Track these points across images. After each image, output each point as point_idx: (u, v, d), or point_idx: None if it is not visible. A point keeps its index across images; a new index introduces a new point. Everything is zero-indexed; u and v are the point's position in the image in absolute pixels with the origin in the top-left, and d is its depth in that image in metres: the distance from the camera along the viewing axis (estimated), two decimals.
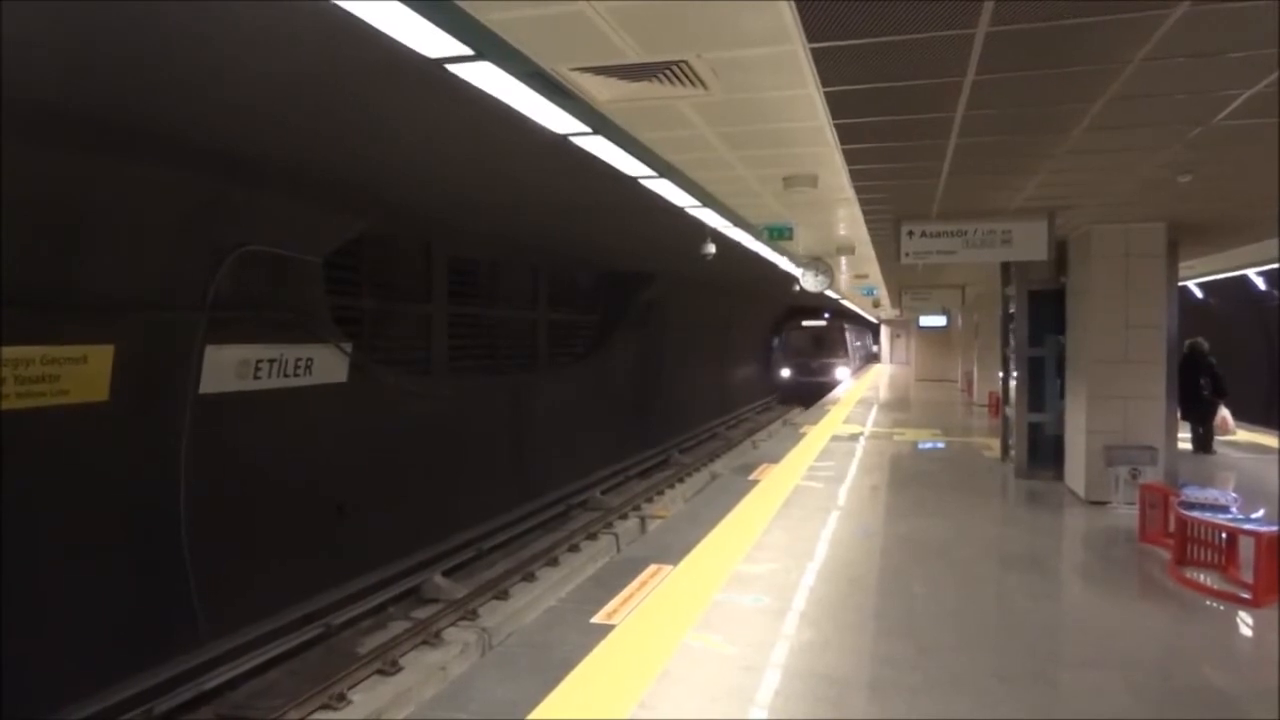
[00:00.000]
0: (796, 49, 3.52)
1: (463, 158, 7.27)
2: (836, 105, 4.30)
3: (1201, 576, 5.89)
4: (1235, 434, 12.88)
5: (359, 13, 3.08)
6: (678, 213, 7.84)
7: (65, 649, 6.76)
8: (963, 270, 14.59)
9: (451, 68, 3.65)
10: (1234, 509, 6.05)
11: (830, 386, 30.71)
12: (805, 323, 40.74)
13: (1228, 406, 12.28)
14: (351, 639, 8.78)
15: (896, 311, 27.42)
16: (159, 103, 5.45)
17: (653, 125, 4.92)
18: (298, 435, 9.46)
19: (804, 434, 14.05)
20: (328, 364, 9.65)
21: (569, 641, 4.57)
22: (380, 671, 7.91)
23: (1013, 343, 10.21)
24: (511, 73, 3.77)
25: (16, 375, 6.28)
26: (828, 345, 40.23)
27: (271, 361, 8.78)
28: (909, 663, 4.41)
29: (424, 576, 10.24)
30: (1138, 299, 8.18)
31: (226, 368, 8.21)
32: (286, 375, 9.01)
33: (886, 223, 8.19)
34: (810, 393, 32.54)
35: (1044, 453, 9.72)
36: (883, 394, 24.66)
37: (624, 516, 14.80)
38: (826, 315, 40.56)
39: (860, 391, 24.99)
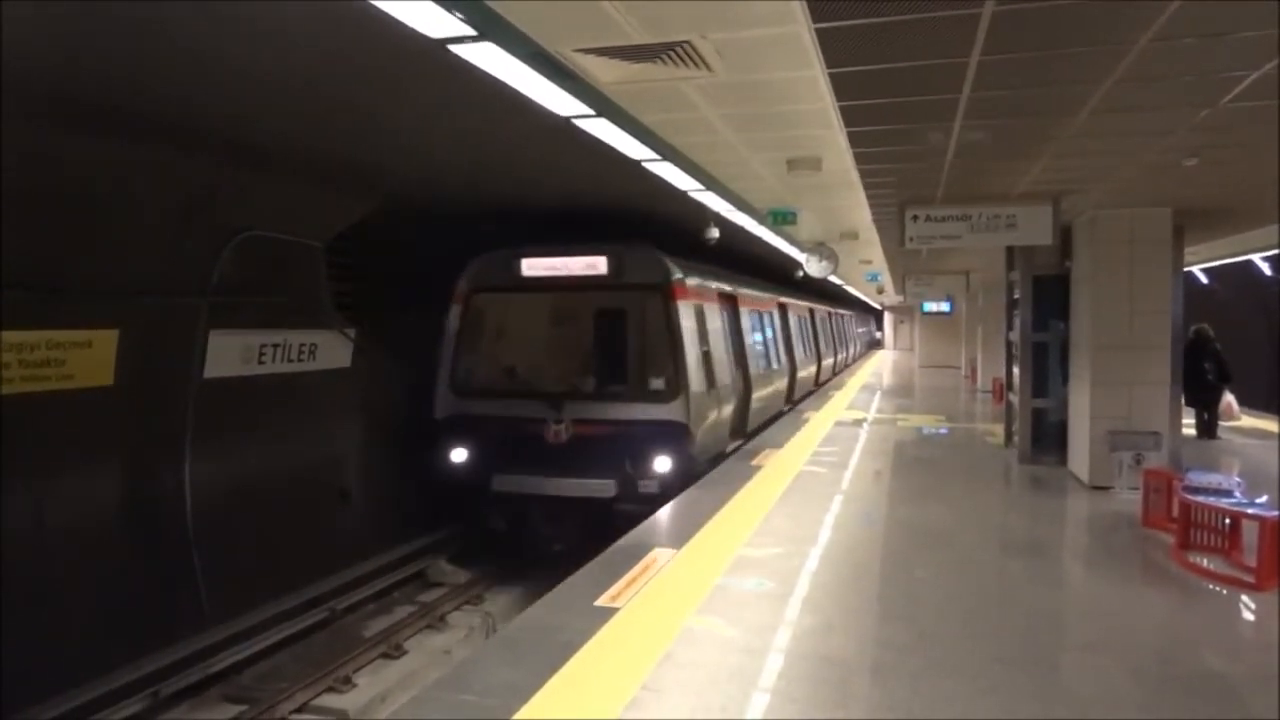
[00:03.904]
0: (801, 29, 3.50)
1: (467, 142, 7.24)
2: (841, 87, 4.27)
3: (1205, 561, 5.89)
4: (1240, 419, 12.86)
5: None
6: (681, 196, 7.81)
7: (68, 633, 6.79)
8: (967, 255, 14.55)
9: (454, 48, 3.63)
10: (1238, 493, 6.05)
11: (633, 510, 8.49)
12: (544, 267, 10.19)
13: (1232, 392, 12.26)
14: (356, 623, 8.82)
15: (900, 297, 27.35)
16: (163, 86, 5.42)
17: (656, 108, 4.90)
18: (301, 419, 9.46)
19: (807, 419, 14.04)
20: (331, 349, 9.65)
21: (573, 625, 4.58)
22: (385, 655, 7.95)
23: (1017, 328, 10.19)
24: (514, 54, 3.74)
25: (21, 359, 6.28)
26: (637, 355, 10.96)
27: (275, 346, 8.78)
28: (911, 647, 4.42)
29: (428, 561, 10.26)
30: (1142, 284, 8.15)
31: (230, 352, 8.21)
32: (290, 360, 9.01)
33: (890, 207, 8.16)
34: (558, 525, 9.82)
35: (1048, 438, 9.71)
36: (886, 380, 24.64)
37: None
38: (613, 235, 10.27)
39: (863, 378, 24.97)
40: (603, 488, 9.34)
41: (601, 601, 4.96)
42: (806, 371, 19.14)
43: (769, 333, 15.49)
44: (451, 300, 10.52)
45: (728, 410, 11.16)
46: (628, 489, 9.35)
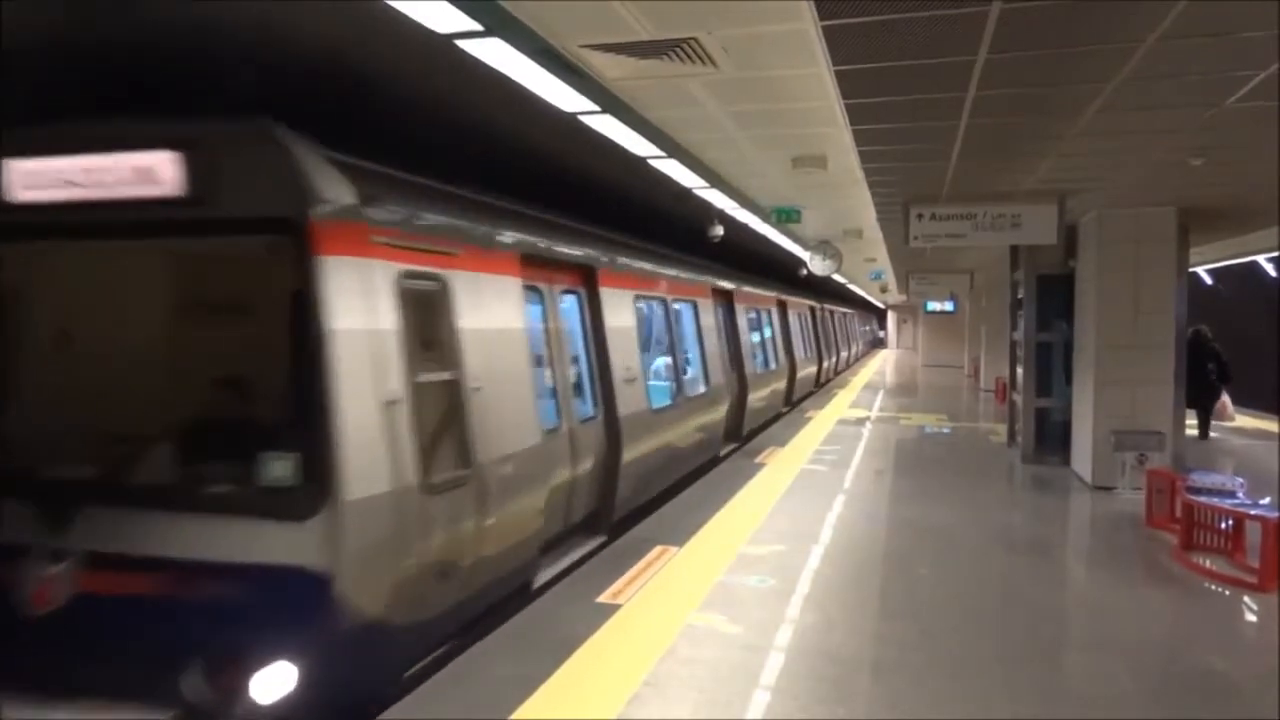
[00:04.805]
0: (808, 26, 3.49)
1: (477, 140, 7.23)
2: (847, 84, 4.26)
3: (1207, 561, 5.89)
4: (1235, 420, 12.84)
5: None
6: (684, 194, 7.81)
7: None
8: (971, 255, 14.53)
9: (461, 44, 3.63)
10: (1240, 494, 6.05)
11: None
12: (52, 178, 4.03)
13: (1230, 393, 12.24)
14: None
15: (903, 296, 27.32)
16: (169, 74, 5.42)
17: (662, 104, 4.90)
18: None
19: (810, 418, 14.04)
20: None
21: (575, 621, 4.59)
22: None
23: (1021, 327, 10.17)
24: (522, 49, 3.74)
25: None
26: (241, 398, 4.46)
27: None
28: (912, 644, 4.42)
29: None
30: (1147, 284, 8.14)
31: None
32: None
33: (895, 205, 8.15)
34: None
35: (1051, 438, 9.71)
36: (889, 379, 24.63)
37: None
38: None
39: (866, 377, 24.96)
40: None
41: (603, 598, 4.96)
42: (767, 390, 14.05)
43: (697, 340, 10.43)
44: None
45: (524, 506, 5.24)
46: None
